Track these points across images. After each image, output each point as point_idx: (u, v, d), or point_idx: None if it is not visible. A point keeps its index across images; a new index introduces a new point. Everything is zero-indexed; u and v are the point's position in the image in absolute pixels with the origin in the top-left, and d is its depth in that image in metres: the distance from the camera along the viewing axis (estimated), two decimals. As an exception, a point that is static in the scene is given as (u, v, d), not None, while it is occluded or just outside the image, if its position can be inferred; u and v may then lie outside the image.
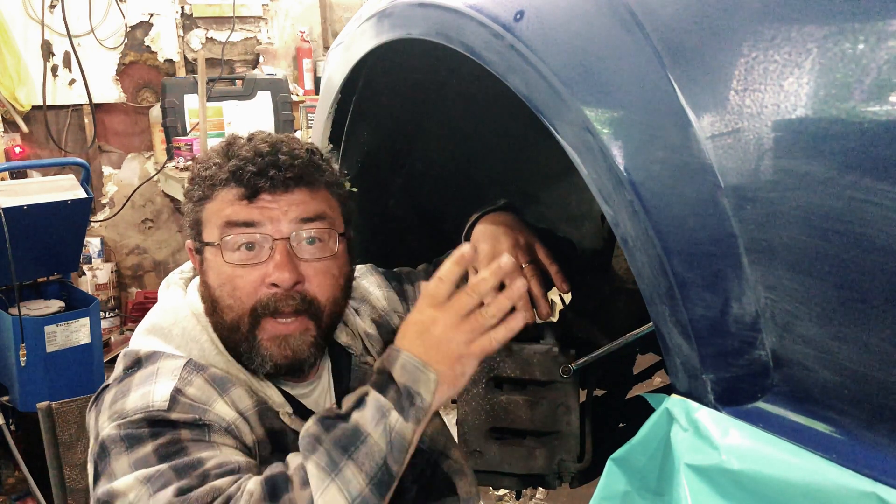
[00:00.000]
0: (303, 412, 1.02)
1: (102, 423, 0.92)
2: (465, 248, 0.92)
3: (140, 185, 4.19)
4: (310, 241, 0.98)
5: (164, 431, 0.88)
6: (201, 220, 1.00)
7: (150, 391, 0.92)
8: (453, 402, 1.06)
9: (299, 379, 1.07)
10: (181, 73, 4.21)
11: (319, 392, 1.10)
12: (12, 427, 2.72)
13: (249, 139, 1.01)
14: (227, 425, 0.92)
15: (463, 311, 0.88)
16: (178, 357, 0.97)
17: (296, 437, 0.94)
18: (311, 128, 3.36)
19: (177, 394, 0.92)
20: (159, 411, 0.90)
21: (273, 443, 0.97)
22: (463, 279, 0.95)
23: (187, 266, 1.13)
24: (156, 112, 4.01)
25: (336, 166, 1.07)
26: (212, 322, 1.00)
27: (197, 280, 1.07)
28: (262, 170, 0.96)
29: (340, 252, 1.01)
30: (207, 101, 3.49)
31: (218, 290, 0.98)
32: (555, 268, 1.08)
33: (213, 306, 0.99)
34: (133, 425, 0.89)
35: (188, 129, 3.87)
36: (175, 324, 1.01)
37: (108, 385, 0.98)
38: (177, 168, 3.74)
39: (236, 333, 0.98)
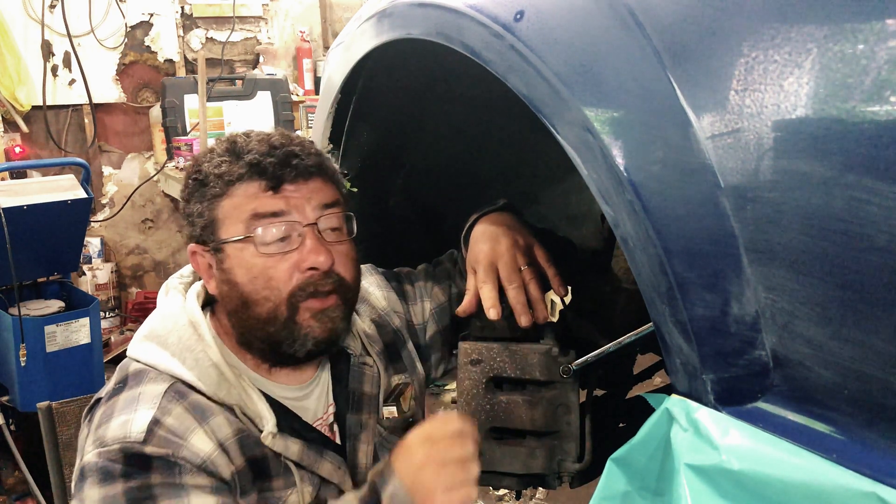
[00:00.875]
0: (290, 426, 1.03)
1: (86, 447, 0.94)
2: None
3: (140, 185, 4.19)
4: (332, 226, 1.02)
5: (137, 474, 0.89)
6: (217, 218, 1.00)
7: (130, 420, 0.93)
8: (453, 402, 1.06)
9: (298, 377, 1.07)
10: (181, 73, 4.21)
11: (318, 394, 1.10)
12: (12, 427, 2.73)
13: (247, 135, 1.03)
14: (202, 462, 0.93)
15: (448, 458, 0.92)
16: (160, 382, 0.98)
17: (276, 459, 0.97)
18: (311, 128, 3.36)
19: (154, 425, 0.93)
20: (135, 443, 0.91)
21: (254, 471, 0.98)
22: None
23: (187, 270, 1.12)
24: (156, 112, 4.01)
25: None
26: (236, 321, 1.01)
27: (197, 285, 1.07)
28: (282, 161, 0.99)
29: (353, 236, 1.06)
30: (207, 101, 3.49)
31: (249, 284, 0.99)
32: (552, 271, 1.07)
33: (242, 303, 0.99)
34: (109, 456, 0.90)
35: (188, 129, 3.87)
36: (172, 331, 1.01)
37: (100, 399, 1.00)
38: (177, 168, 3.74)
39: (272, 324, 0.99)
